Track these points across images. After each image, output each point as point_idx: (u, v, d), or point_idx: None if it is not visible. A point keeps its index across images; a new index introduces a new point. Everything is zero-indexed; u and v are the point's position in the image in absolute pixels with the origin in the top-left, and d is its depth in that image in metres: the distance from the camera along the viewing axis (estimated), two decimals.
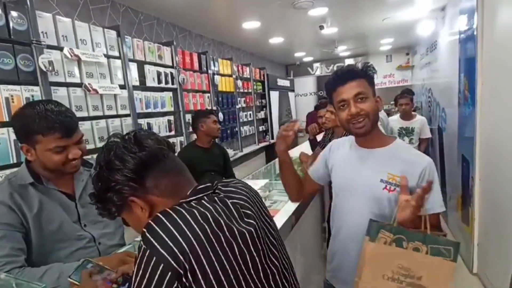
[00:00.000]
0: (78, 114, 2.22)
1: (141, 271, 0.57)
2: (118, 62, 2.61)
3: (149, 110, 2.97)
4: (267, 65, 6.60)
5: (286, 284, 0.71)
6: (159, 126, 3.12)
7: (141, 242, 0.59)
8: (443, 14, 3.87)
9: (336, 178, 1.19)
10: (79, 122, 2.37)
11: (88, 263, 0.94)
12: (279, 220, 1.48)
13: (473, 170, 2.56)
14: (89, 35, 2.36)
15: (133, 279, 0.58)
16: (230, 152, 4.53)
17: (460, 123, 2.98)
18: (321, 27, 4.21)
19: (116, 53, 2.61)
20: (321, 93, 8.12)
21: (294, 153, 3.26)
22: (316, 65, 8.29)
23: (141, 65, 2.91)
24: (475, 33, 2.53)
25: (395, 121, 3.73)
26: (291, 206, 1.65)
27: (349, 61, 7.93)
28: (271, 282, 0.68)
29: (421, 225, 0.90)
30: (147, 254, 0.57)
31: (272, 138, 6.27)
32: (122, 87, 2.62)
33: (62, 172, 1.05)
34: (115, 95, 2.54)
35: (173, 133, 3.33)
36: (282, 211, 1.64)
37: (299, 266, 1.88)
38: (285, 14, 3.86)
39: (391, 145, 1.11)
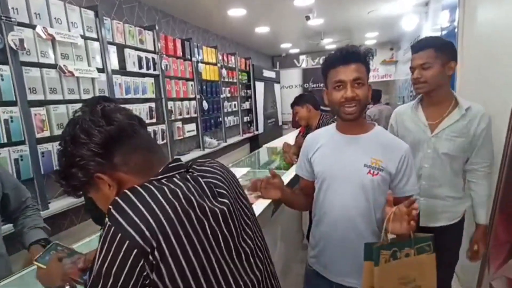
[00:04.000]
0: (52, 96, 2.13)
1: (104, 249, 0.54)
2: (96, 44, 2.50)
3: (129, 96, 2.88)
4: (253, 56, 6.53)
5: (259, 264, 0.70)
6: (140, 112, 3.03)
7: (106, 219, 0.57)
8: (426, 9, 3.93)
9: (319, 165, 1.19)
10: (53, 106, 2.26)
11: (56, 246, 0.91)
12: (259, 207, 1.47)
13: None
14: (65, 14, 2.23)
15: (96, 257, 0.55)
16: (214, 142, 4.49)
17: None
18: (308, 18, 4.19)
19: (94, 35, 2.50)
20: (306, 85, 8.15)
21: (278, 143, 3.28)
22: (302, 57, 8.28)
23: (121, 48, 2.80)
24: (456, 29, 2.58)
25: None
26: None
27: None
28: (244, 262, 0.66)
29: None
30: (111, 231, 0.54)
31: (257, 130, 6.26)
32: (100, 70, 2.51)
33: None
34: (92, 79, 2.44)
35: (154, 120, 3.25)
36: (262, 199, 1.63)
37: (280, 253, 1.89)
38: (271, 3, 3.81)
39: (372, 131, 1.14)
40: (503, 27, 1.78)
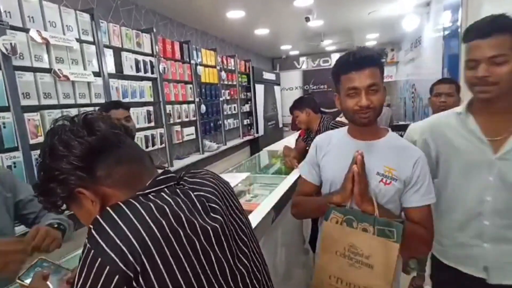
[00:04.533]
0: (47, 101, 2.08)
1: (83, 274, 0.49)
2: (92, 48, 2.46)
3: (127, 100, 2.83)
4: (252, 58, 6.50)
5: (256, 285, 0.65)
6: (138, 116, 2.98)
7: (86, 240, 0.51)
8: (427, 10, 3.88)
9: (329, 171, 1.11)
10: (47, 111, 2.20)
11: (42, 263, 0.85)
12: (259, 214, 1.42)
13: None
14: (59, 17, 2.19)
15: (75, 281, 0.50)
16: (213, 145, 4.44)
17: None
18: (307, 19, 4.14)
19: (90, 38, 2.45)
20: (307, 87, 8.11)
21: (278, 146, 3.22)
22: (302, 59, 8.24)
23: (117, 52, 2.76)
24: (459, 29, 2.54)
25: None
26: (272, 200, 1.59)
27: (335, 56, 7.92)
28: (240, 284, 0.61)
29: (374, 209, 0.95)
30: (91, 255, 0.49)
31: (257, 132, 6.20)
32: (96, 74, 2.47)
33: None
34: (88, 83, 2.39)
35: (152, 124, 3.20)
36: (262, 205, 1.58)
37: (281, 258, 1.84)
38: (270, 4, 3.77)
39: (385, 137, 1.07)
40: None
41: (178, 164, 3.59)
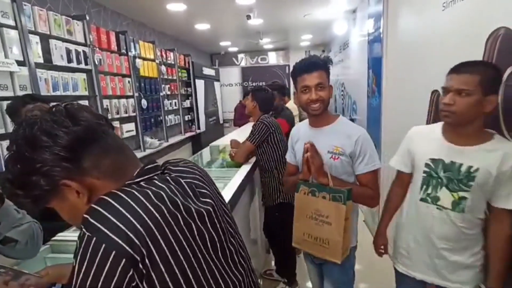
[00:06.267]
0: None
1: (86, 263, 0.48)
2: (13, 33, 2.17)
3: (58, 93, 2.56)
4: (192, 52, 6.37)
5: (242, 261, 0.71)
6: None
7: (82, 231, 0.51)
8: (354, 16, 4.32)
9: (299, 154, 1.42)
10: None
11: None
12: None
13: (379, 154, 2.97)
14: None
15: (75, 274, 0.49)
16: (155, 142, 4.27)
17: (369, 114, 3.42)
18: (248, 17, 4.25)
19: (11, 22, 2.16)
20: (246, 84, 8.27)
21: (224, 140, 3.27)
22: (241, 55, 8.36)
23: (45, 39, 2.48)
24: (381, 35, 2.91)
25: None
26: (228, 192, 1.65)
27: (272, 54, 8.24)
28: (229, 260, 0.66)
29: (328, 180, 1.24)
30: (93, 242, 0.49)
31: (199, 128, 6.13)
32: (21, 63, 2.19)
33: None
34: (11, 73, 2.11)
35: None
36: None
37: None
38: None
39: (335, 123, 1.38)
40: (422, 34, 2.08)
41: None
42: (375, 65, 3.19)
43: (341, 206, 1.18)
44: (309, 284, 1.43)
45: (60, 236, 1.28)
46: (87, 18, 2.96)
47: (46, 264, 1.19)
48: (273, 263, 2.62)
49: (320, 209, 1.23)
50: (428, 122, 1.98)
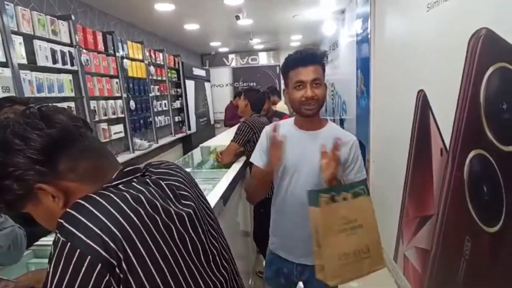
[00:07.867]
0: None
1: (60, 269, 0.47)
2: None
3: (42, 95, 2.51)
4: (181, 53, 6.32)
5: (225, 264, 0.70)
6: None
7: (57, 236, 0.49)
8: (343, 17, 4.36)
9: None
10: None
11: None
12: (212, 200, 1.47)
13: (368, 153, 3.00)
14: None
15: (49, 280, 0.48)
16: (144, 143, 4.23)
17: (358, 113, 3.45)
18: (237, 17, 4.24)
19: None
20: (236, 84, 8.26)
21: (215, 141, 3.25)
22: (231, 56, 8.35)
23: (29, 39, 2.42)
24: (369, 36, 2.94)
25: None
26: (218, 192, 1.64)
27: (262, 55, 8.25)
28: (211, 263, 0.66)
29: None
30: (67, 247, 0.47)
31: (189, 129, 6.09)
32: (3, 64, 2.14)
33: None
34: None
35: None
36: (210, 196, 1.62)
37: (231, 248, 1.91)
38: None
39: (326, 127, 1.25)
40: (408, 34, 2.11)
41: None
42: (363, 65, 3.22)
43: (366, 200, 1.03)
44: (300, 282, 1.40)
45: (44, 241, 1.25)
46: (73, 18, 2.91)
47: (29, 269, 1.16)
48: (264, 263, 2.61)
49: (346, 215, 1.02)
50: (414, 121, 2.01)
